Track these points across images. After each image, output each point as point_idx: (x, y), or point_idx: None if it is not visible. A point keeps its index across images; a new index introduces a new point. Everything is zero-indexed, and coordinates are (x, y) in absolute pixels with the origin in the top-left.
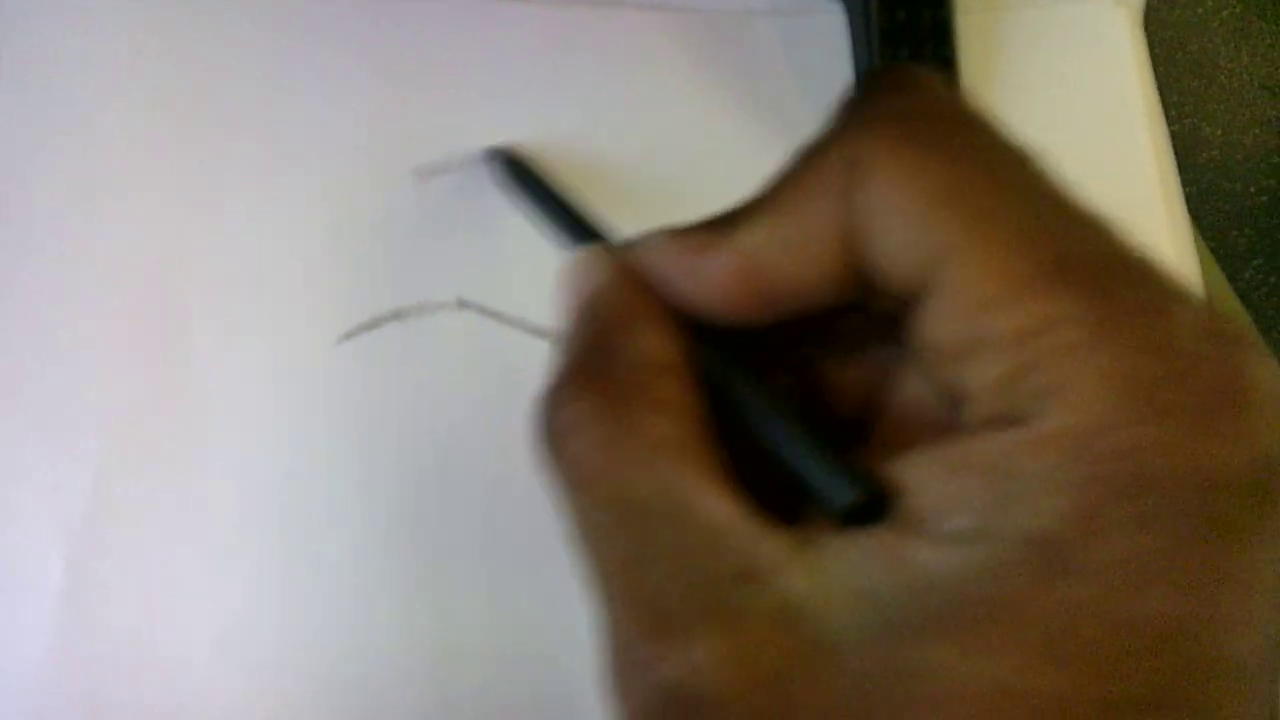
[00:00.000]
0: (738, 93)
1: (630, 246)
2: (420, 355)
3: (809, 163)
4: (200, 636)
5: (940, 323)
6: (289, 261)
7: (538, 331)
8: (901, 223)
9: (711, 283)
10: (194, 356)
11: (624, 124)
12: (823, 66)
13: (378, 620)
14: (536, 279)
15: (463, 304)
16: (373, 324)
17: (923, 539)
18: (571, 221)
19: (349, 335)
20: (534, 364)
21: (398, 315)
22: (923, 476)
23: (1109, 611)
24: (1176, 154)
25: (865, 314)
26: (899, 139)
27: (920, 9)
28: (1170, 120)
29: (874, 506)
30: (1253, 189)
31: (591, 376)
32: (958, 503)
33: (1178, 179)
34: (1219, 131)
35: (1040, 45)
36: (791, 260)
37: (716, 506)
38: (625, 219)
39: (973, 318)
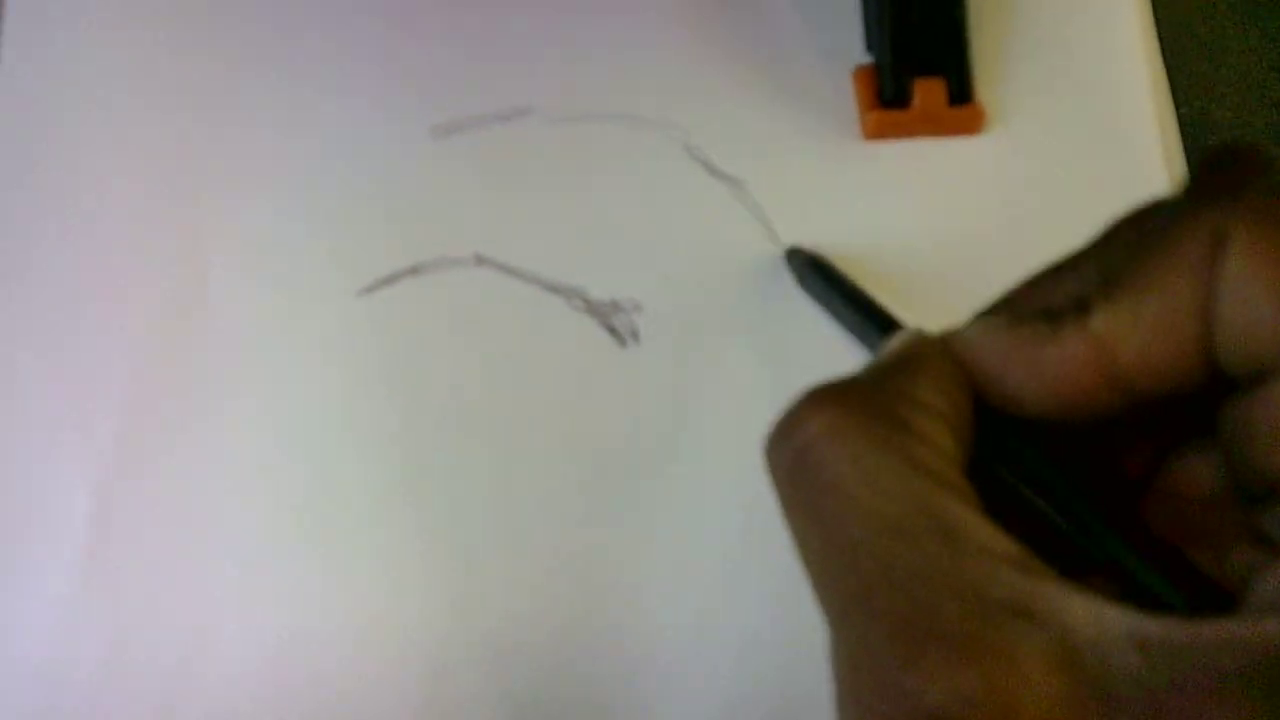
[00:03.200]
0: (747, 54)
1: (951, 334)
2: (437, 310)
3: (1167, 234)
4: (223, 577)
5: None
6: (308, 216)
7: (554, 288)
8: (1265, 299)
9: (1058, 374)
10: (215, 307)
11: (635, 85)
12: (834, 27)
13: (395, 570)
14: (553, 236)
15: (480, 260)
16: (391, 278)
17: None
18: (879, 320)
19: (368, 289)
20: (549, 320)
21: (415, 270)
22: (1261, 582)
23: None
24: (1185, 137)
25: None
26: (1265, 214)
27: None
28: (1179, 104)
29: (1204, 609)
30: None
31: (855, 395)
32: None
33: (1185, 163)
34: (1229, 114)
35: (1049, 28)
36: (1154, 342)
37: (989, 535)
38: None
39: None
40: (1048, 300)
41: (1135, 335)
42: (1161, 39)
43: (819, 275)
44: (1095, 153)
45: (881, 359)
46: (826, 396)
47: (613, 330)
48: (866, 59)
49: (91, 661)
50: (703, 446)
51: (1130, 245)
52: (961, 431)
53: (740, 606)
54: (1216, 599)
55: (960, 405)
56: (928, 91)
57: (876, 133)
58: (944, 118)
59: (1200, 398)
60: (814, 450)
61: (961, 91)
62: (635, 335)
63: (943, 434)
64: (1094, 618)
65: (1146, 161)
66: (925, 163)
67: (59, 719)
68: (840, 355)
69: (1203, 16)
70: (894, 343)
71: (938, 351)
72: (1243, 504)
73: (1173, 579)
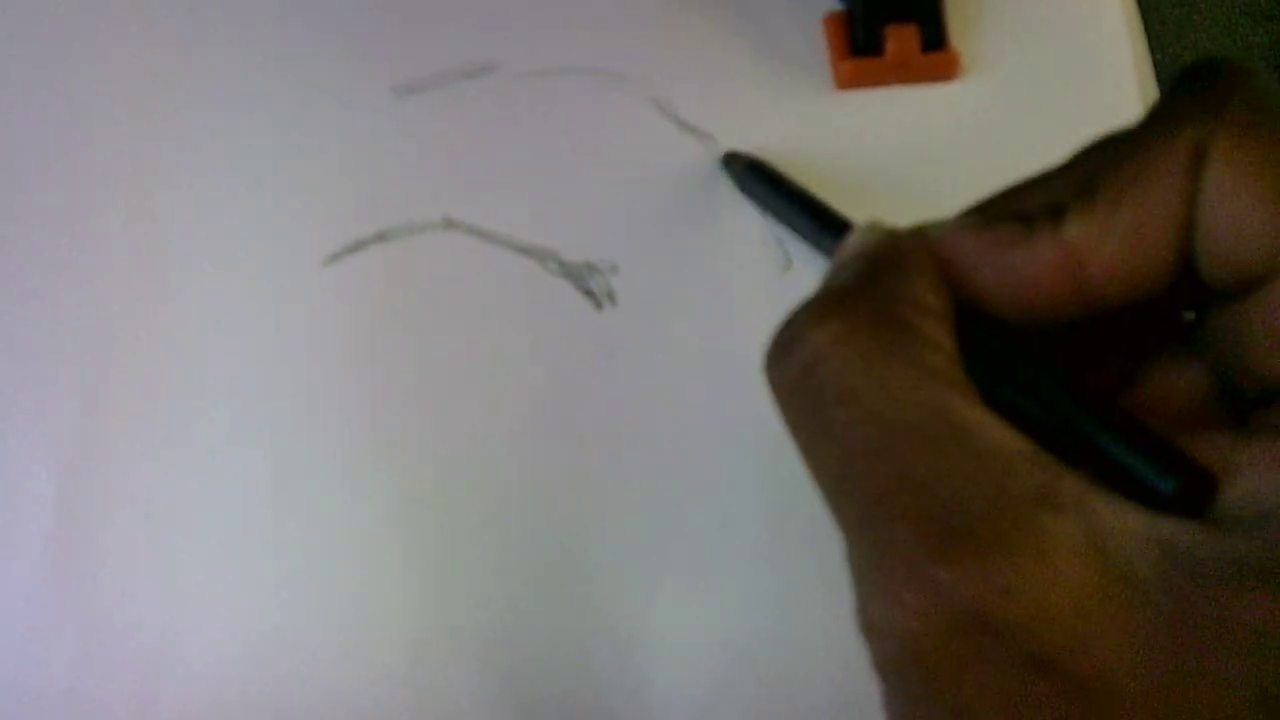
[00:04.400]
0: (723, 4)
1: (921, 231)
2: (407, 277)
3: (1145, 145)
4: (195, 562)
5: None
6: (269, 185)
7: (525, 250)
8: (1253, 207)
9: (1025, 277)
10: (176, 284)
11: (602, 39)
12: None
13: (370, 545)
14: (523, 196)
15: (449, 223)
16: (358, 245)
17: (1242, 517)
18: (828, 220)
19: (335, 257)
20: (523, 284)
21: (383, 236)
22: (1239, 466)
23: None
24: (1160, 84)
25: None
26: (1249, 124)
27: None
28: (1153, 49)
29: (1193, 495)
30: None
31: (856, 303)
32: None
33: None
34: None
35: None
36: (1126, 252)
37: (1005, 434)
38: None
39: None
40: (1023, 206)
41: (1108, 243)
42: None
43: (760, 179)
44: (1070, 98)
45: (861, 258)
46: (828, 307)
47: (589, 292)
48: (837, 6)
49: (63, 653)
50: (684, 409)
51: (1108, 157)
52: (952, 320)
53: (725, 572)
54: (1205, 484)
55: (949, 302)
56: (900, 38)
57: (849, 82)
58: (917, 65)
59: (1168, 308)
60: (822, 362)
61: (935, 38)
62: (611, 297)
63: (944, 334)
64: (1115, 511)
65: (1122, 106)
66: (899, 111)
67: (31, 714)
68: None
69: None
70: (863, 239)
71: (920, 248)
72: (1230, 409)
73: (1165, 467)
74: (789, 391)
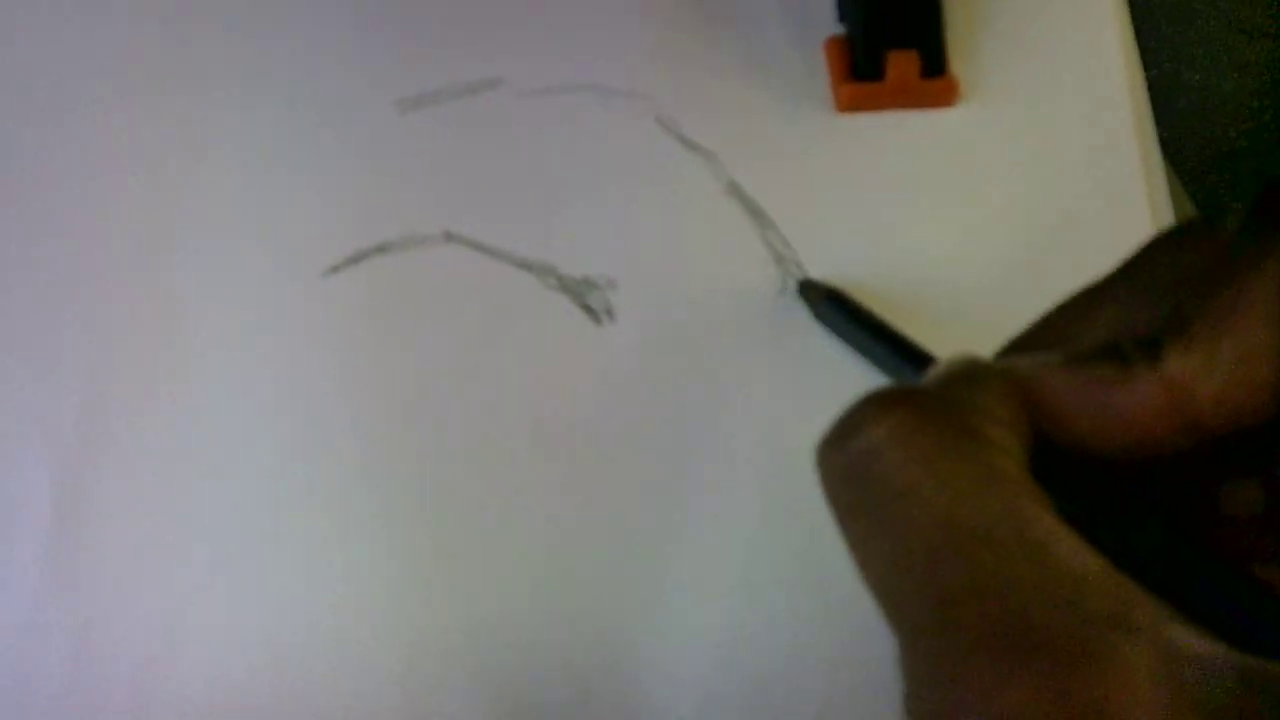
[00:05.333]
0: (718, 24)
1: (1008, 366)
2: (406, 289)
3: (1238, 273)
4: (193, 565)
5: None
6: (273, 195)
7: (524, 264)
8: None
9: (1128, 416)
10: (180, 288)
11: (606, 56)
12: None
13: (366, 552)
14: (524, 210)
15: (449, 237)
16: (359, 256)
17: None
18: (910, 354)
19: (334, 269)
20: (522, 299)
21: (383, 249)
22: None
23: None
24: (1154, 100)
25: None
26: None
27: None
28: (1148, 66)
29: None
30: (1231, 133)
31: (922, 400)
32: None
33: (1154, 124)
34: (1197, 76)
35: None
36: (1230, 384)
37: (1077, 548)
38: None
39: None
40: (1091, 333)
41: (1212, 378)
42: (1131, 3)
43: (837, 310)
44: (1066, 125)
45: (937, 374)
46: (891, 399)
47: (587, 308)
48: (839, 30)
49: (59, 652)
50: (681, 425)
51: (1200, 284)
52: (1028, 447)
53: (718, 585)
54: None
55: (1024, 423)
56: (901, 64)
57: (849, 105)
58: (917, 90)
59: (1258, 432)
60: (881, 454)
61: (935, 64)
62: (610, 313)
63: (1013, 442)
64: (1191, 637)
65: (1115, 125)
66: (898, 135)
67: (27, 714)
68: (819, 336)
69: None
70: (947, 362)
71: (997, 371)
72: None
73: (1262, 615)
74: (842, 480)
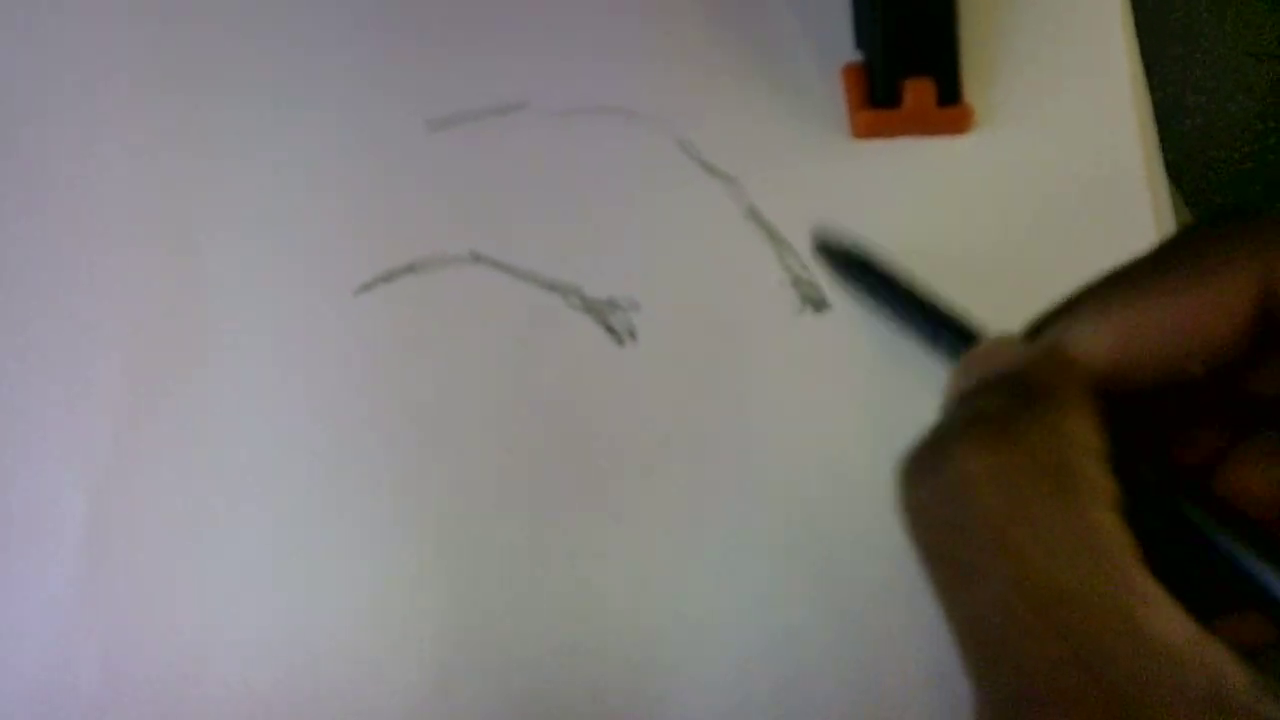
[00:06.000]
0: (739, 51)
1: (1061, 348)
2: (434, 308)
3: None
4: (223, 581)
5: None
6: (306, 213)
7: (549, 285)
8: None
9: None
10: (211, 308)
11: (630, 80)
12: (824, 25)
13: (394, 565)
14: (549, 232)
15: (476, 257)
16: (389, 276)
17: None
18: (947, 322)
19: (366, 287)
20: (546, 319)
21: (413, 268)
22: None
23: None
24: (1160, 122)
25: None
26: None
27: None
28: (1154, 89)
29: None
30: (1236, 155)
31: (1015, 435)
32: None
33: (1159, 146)
34: (1202, 99)
35: (1036, 28)
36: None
37: (1171, 619)
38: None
39: None
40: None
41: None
42: (1138, 26)
43: (860, 270)
44: (1075, 151)
45: (1010, 381)
46: (983, 434)
47: (610, 329)
48: (857, 58)
49: (90, 668)
50: (702, 445)
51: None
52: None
53: (739, 604)
54: None
55: (1103, 425)
56: (917, 91)
57: (866, 132)
58: (933, 118)
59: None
60: (973, 497)
61: (950, 92)
62: (633, 334)
63: (1108, 479)
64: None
65: (1122, 146)
66: (914, 162)
67: None
68: (841, 354)
69: (1178, 3)
70: (1003, 355)
71: (1074, 373)
72: None
73: None
74: (929, 519)
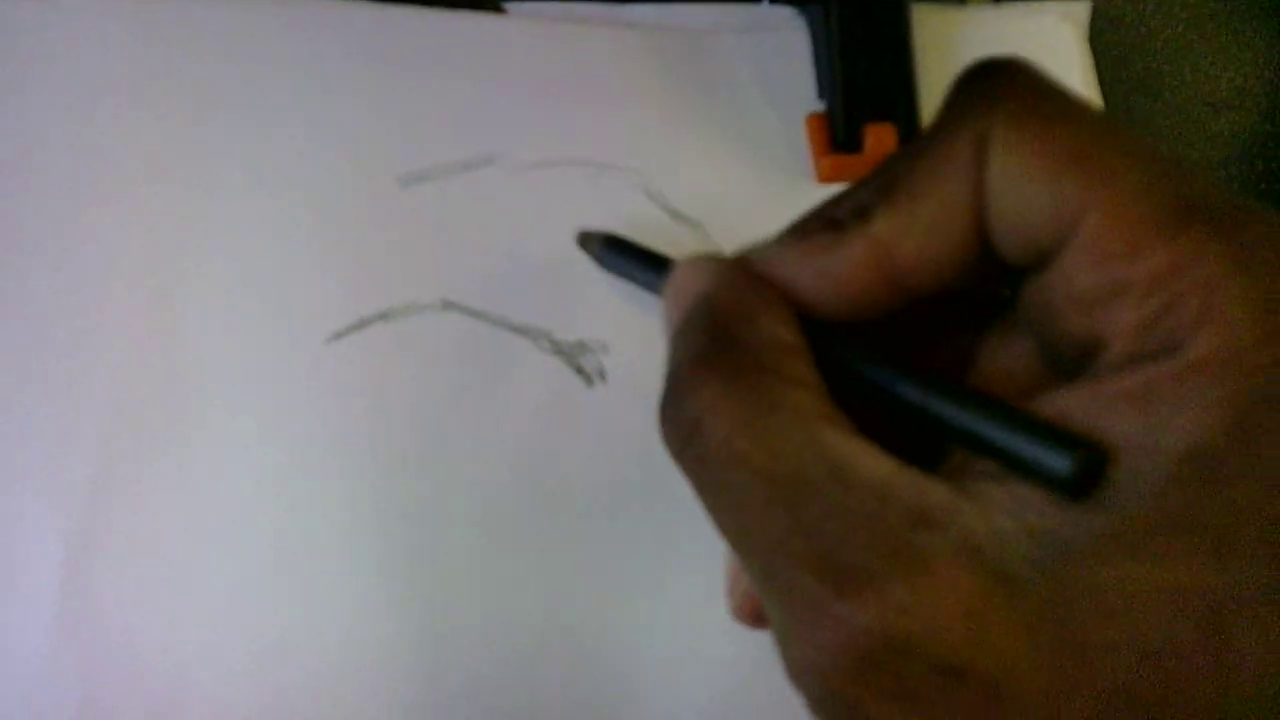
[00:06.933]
0: (705, 103)
1: (743, 256)
2: (406, 355)
3: (934, 144)
4: (197, 628)
5: (1076, 276)
6: (278, 263)
7: (519, 329)
8: (1034, 187)
9: (842, 276)
10: (186, 356)
11: (597, 133)
12: (786, 77)
13: (369, 613)
14: (519, 279)
15: (447, 304)
16: (360, 324)
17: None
18: (654, 261)
19: (337, 335)
20: (517, 361)
21: (385, 316)
22: (1074, 412)
23: (1269, 508)
24: None
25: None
26: (1022, 112)
27: (878, 27)
28: None
29: (1090, 473)
30: None
31: (716, 362)
32: (1113, 433)
33: None
34: (1165, 148)
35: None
36: (929, 241)
37: (875, 461)
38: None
39: (1110, 266)
40: (835, 215)
41: (911, 235)
42: (1100, 76)
43: (617, 251)
44: None
45: (705, 304)
46: (704, 368)
47: (580, 370)
48: (819, 106)
49: (70, 707)
50: (671, 486)
51: (905, 159)
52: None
53: (712, 647)
54: (1098, 458)
55: (795, 320)
56: (878, 136)
57: (830, 176)
58: None
59: (986, 288)
60: (703, 423)
61: (910, 135)
62: (602, 375)
63: (806, 368)
64: (983, 514)
65: None
66: None
67: None
68: None
69: (1138, 54)
70: (696, 277)
71: (757, 282)
72: (1059, 374)
73: (1057, 448)
74: (680, 452)
